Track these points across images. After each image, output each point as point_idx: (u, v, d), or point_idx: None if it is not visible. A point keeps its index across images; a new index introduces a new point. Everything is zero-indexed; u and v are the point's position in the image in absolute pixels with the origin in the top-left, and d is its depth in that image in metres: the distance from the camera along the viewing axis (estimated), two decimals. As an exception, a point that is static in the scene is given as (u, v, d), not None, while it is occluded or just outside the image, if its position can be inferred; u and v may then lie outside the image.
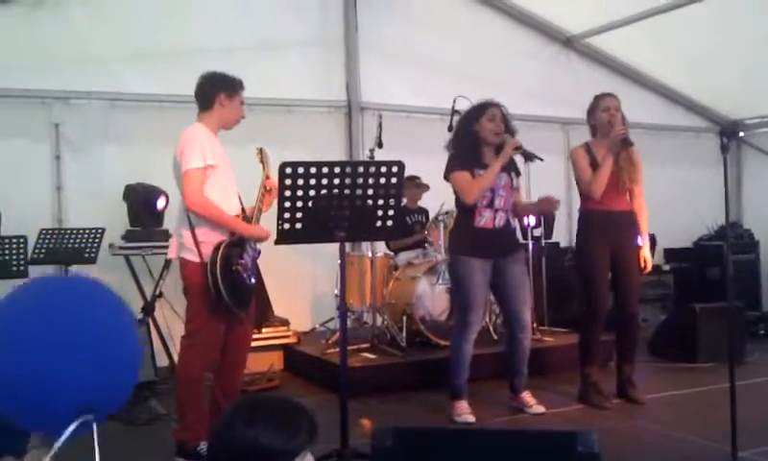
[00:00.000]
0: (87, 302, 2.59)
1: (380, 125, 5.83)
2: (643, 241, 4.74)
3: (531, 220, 6.39)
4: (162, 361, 5.56)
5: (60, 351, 2.29)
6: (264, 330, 5.92)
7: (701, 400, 4.83)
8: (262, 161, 3.93)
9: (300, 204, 3.18)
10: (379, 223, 3.35)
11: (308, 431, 1.68)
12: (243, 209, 3.84)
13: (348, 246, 6.24)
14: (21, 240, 5.02)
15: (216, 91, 3.72)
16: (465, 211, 4.44)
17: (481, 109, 4.42)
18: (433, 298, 5.72)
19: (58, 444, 2.40)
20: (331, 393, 4.63)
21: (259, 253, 3.84)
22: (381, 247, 6.32)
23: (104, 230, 5.40)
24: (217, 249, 3.52)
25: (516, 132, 4.48)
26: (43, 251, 5.25)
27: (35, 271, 5.26)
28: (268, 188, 3.83)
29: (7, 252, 4.90)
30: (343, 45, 7.15)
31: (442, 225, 5.90)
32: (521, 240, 6.37)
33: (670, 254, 8.29)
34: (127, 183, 5.76)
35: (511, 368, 4.59)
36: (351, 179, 3.23)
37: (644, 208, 4.78)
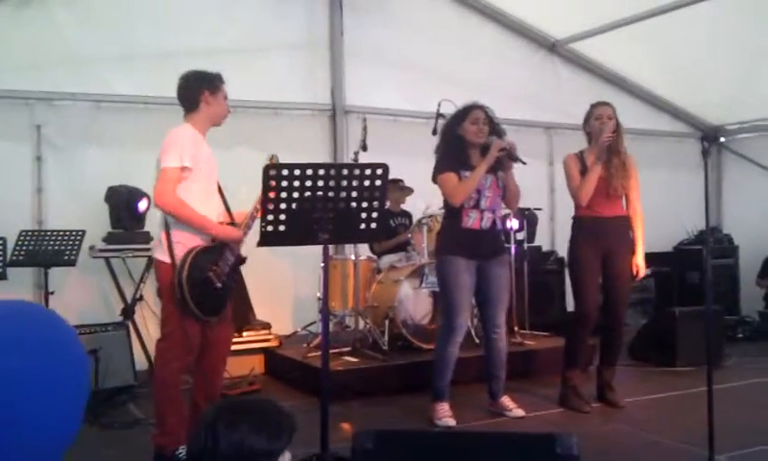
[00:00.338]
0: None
1: (365, 128, 5.84)
2: (637, 248, 4.75)
3: (514, 224, 6.42)
4: (142, 365, 5.52)
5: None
6: (245, 334, 5.89)
7: (679, 404, 4.87)
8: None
9: (283, 205, 3.17)
10: (363, 225, 3.35)
11: (289, 431, 1.69)
12: (230, 213, 3.80)
13: (331, 249, 6.24)
14: (0, 242, 4.96)
15: (199, 90, 3.69)
16: (452, 212, 4.47)
17: (464, 113, 4.47)
18: (415, 301, 5.73)
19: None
20: (312, 396, 4.62)
21: (243, 260, 3.78)
22: (364, 250, 6.32)
23: (84, 232, 5.35)
24: (189, 253, 3.48)
25: (503, 133, 4.51)
26: (23, 253, 5.19)
27: (13, 273, 5.22)
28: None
29: (-14, 253, 4.86)
30: (328, 48, 7.15)
31: (425, 228, 5.91)
32: (504, 244, 6.41)
33: (651, 258, 8.32)
34: (109, 185, 5.72)
35: (487, 372, 4.61)
36: (335, 181, 3.23)
37: (639, 215, 4.78)
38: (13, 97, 5.83)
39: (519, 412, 4.52)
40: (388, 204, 6.37)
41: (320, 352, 3.59)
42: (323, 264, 3.58)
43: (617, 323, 4.79)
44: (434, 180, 4.48)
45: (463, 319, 4.46)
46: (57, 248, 5.24)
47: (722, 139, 9.06)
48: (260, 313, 6.19)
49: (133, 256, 5.62)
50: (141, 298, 5.66)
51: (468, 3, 7.71)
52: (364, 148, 5.74)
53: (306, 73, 7.07)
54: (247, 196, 3.85)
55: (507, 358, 4.61)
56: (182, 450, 3.56)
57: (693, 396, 4.73)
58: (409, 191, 6.55)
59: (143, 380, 5.26)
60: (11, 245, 5.13)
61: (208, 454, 1.62)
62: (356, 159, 5.59)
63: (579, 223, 4.79)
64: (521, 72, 8.01)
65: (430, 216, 5.85)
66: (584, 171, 4.69)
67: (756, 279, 8.02)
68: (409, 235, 6.23)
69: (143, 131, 5.65)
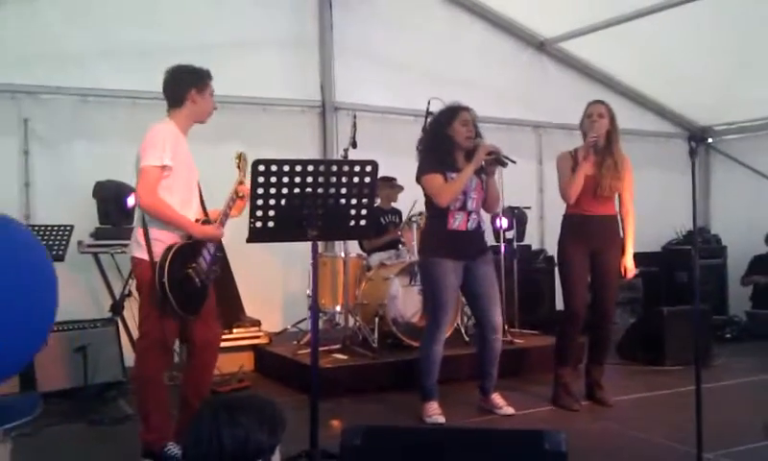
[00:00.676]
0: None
1: (354, 125, 5.83)
2: (626, 248, 4.74)
3: (503, 222, 6.43)
4: (131, 361, 5.48)
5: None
6: (235, 331, 5.88)
7: (668, 402, 4.89)
8: (239, 166, 3.80)
9: (272, 202, 3.16)
10: (352, 222, 3.34)
11: (283, 425, 1.71)
12: (205, 212, 3.77)
13: (320, 246, 6.23)
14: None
15: (187, 88, 3.63)
16: (437, 214, 4.45)
17: (453, 113, 4.44)
18: (405, 299, 5.73)
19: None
20: (302, 393, 4.62)
21: (219, 257, 3.74)
22: (354, 247, 6.31)
23: (72, 227, 5.33)
24: (169, 249, 3.45)
25: (481, 136, 4.49)
26: (10, 247, 5.15)
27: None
28: (240, 194, 3.72)
29: (-28, 248, 4.81)
30: (318, 45, 7.14)
31: (415, 226, 5.91)
32: (494, 242, 6.43)
33: (639, 258, 8.35)
34: (97, 180, 5.69)
35: (481, 369, 4.62)
36: (325, 177, 3.22)
37: (631, 214, 4.78)
38: (0, 91, 5.78)
39: (509, 410, 4.53)
40: (378, 201, 6.37)
41: (309, 350, 3.58)
42: (312, 261, 3.56)
43: (605, 321, 4.80)
44: (418, 180, 4.46)
45: (447, 317, 4.48)
46: (44, 243, 5.19)
47: (710, 140, 9.12)
48: (250, 310, 6.17)
49: (122, 252, 5.58)
50: (130, 293, 5.62)
51: (457, 1, 7.73)
52: (354, 145, 5.74)
53: (296, 69, 7.06)
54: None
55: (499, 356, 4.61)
56: (171, 447, 3.55)
57: (681, 394, 4.76)
58: (399, 189, 6.55)
59: (132, 376, 5.24)
60: (-3, 240, 5.09)
61: (214, 455, 1.62)
62: (346, 156, 5.59)
63: (567, 221, 4.80)
64: (510, 71, 8.03)
65: (420, 214, 5.84)
66: (574, 169, 4.69)
67: (742, 278, 8.08)
68: (399, 233, 6.23)
69: (131, 125, 5.59)
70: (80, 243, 5.54)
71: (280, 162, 3.14)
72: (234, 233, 3.74)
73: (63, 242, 5.24)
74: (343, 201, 3.28)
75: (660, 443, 4.00)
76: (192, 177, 3.69)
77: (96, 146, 6.02)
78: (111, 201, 5.59)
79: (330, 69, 7.13)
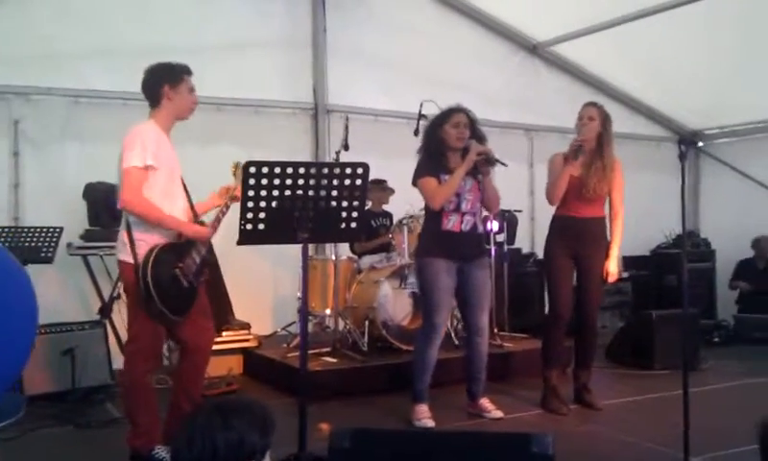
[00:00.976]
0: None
1: (347, 127, 5.84)
2: (611, 251, 4.73)
3: (494, 225, 6.44)
4: (119, 364, 5.46)
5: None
6: (224, 334, 5.85)
7: (656, 406, 4.91)
8: (235, 175, 3.75)
9: (263, 204, 3.15)
10: (343, 224, 3.34)
11: (273, 426, 1.72)
12: (193, 211, 3.74)
13: (311, 249, 6.22)
14: (-25, 238, 4.90)
15: (159, 85, 3.59)
16: (432, 215, 4.47)
17: (446, 116, 4.47)
18: (396, 302, 5.73)
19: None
20: (291, 397, 4.60)
21: (209, 259, 3.72)
22: (345, 250, 6.31)
23: (62, 228, 5.30)
24: (152, 249, 3.43)
25: (484, 138, 4.52)
26: (-2, 249, 5.12)
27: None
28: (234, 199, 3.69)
29: (-40, 249, 4.78)
30: (310, 47, 7.13)
31: (406, 229, 5.91)
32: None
33: (629, 261, 8.41)
34: (87, 182, 5.66)
35: (468, 373, 4.63)
36: (316, 180, 3.22)
37: (619, 217, 4.77)
38: (-11, 91, 5.76)
39: (498, 413, 4.54)
40: (369, 204, 6.37)
41: (299, 353, 3.57)
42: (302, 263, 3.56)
43: (589, 324, 4.81)
44: (414, 183, 4.49)
45: (442, 320, 4.47)
46: (33, 245, 5.17)
47: (700, 144, 9.17)
48: (240, 313, 6.15)
49: (111, 254, 5.49)
50: (119, 296, 5.58)
51: (450, 4, 7.74)
52: (346, 147, 5.73)
53: (288, 71, 7.05)
54: (226, 194, 3.81)
55: (486, 360, 4.62)
56: (159, 450, 3.54)
57: (669, 398, 4.78)
58: (391, 191, 6.55)
59: (120, 380, 5.22)
60: (-14, 241, 5.06)
61: (208, 459, 1.62)
62: (338, 159, 5.59)
63: (555, 222, 4.83)
64: (502, 73, 8.05)
65: (411, 217, 5.85)
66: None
67: (730, 281, 8.14)
68: (390, 236, 6.23)
69: (122, 127, 5.49)
70: (69, 245, 5.52)
71: (271, 164, 3.13)
72: (224, 235, 3.73)
73: (53, 244, 5.22)
74: (334, 203, 3.28)
75: (647, 446, 4.01)
76: (175, 175, 3.65)
77: (86, 147, 5.98)
78: (101, 203, 5.56)
79: (323, 71, 7.12)
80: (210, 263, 3.77)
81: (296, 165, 3.19)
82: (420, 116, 5.46)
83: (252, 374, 5.86)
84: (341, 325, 5.86)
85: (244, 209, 3.15)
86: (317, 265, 5.94)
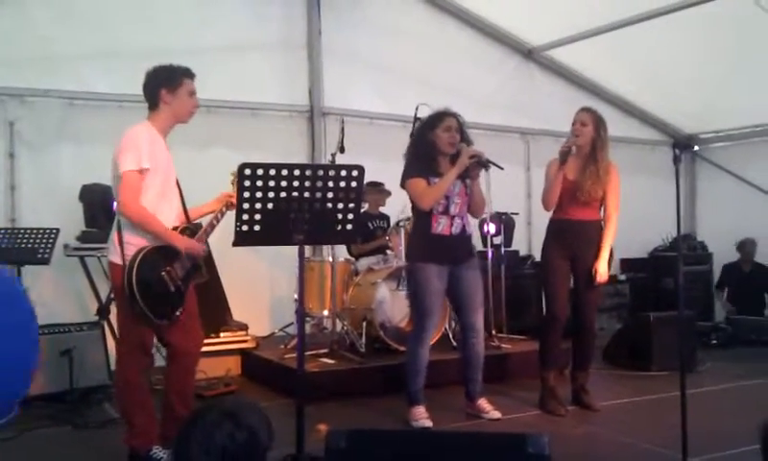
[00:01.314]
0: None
1: (342, 130, 5.85)
2: (600, 252, 4.73)
3: (491, 228, 6.45)
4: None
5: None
6: (222, 335, 5.87)
7: (653, 408, 4.91)
8: (234, 183, 3.71)
9: (258, 205, 3.16)
10: (339, 226, 3.34)
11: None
12: (186, 215, 3.73)
13: (308, 251, 6.23)
14: (-28, 239, 4.89)
15: (158, 89, 3.59)
16: (422, 218, 4.48)
17: (437, 119, 4.48)
18: (393, 304, 5.74)
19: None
20: (288, 398, 4.60)
21: (200, 267, 3.70)
22: (342, 252, 6.32)
23: (58, 230, 5.29)
24: (139, 252, 3.42)
25: (472, 143, 4.52)
26: (-5, 250, 5.12)
27: (-15, 271, 5.14)
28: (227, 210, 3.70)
29: (-43, 251, 4.78)
30: (306, 49, 7.14)
31: (402, 231, 5.92)
32: (481, 248, 6.44)
33: (626, 264, 8.44)
34: (83, 183, 5.66)
35: (465, 374, 4.64)
36: (311, 182, 3.22)
37: (611, 220, 4.78)
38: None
39: (496, 414, 4.54)
40: (366, 206, 6.38)
41: (296, 354, 3.57)
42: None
43: (586, 326, 4.83)
44: (402, 185, 4.50)
45: (432, 321, 4.50)
46: (30, 246, 5.17)
47: (696, 148, 9.19)
48: (237, 314, 6.15)
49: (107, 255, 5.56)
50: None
51: (446, 8, 7.76)
52: (341, 150, 5.75)
53: (284, 74, 7.06)
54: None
55: (484, 361, 4.64)
56: (156, 450, 3.53)
57: (667, 400, 4.79)
58: (387, 194, 6.56)
59: (115, 380, 5.21)
60: (-18, 243, 5.05)
61: (223, 455, 1.62)
62: (333, 161, 5.60)
63: (550, 225, 4.88)
64: (498, 78, 8.08)
65: (407, 219, 5.84)
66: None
67: (715, 287, 8.21)
68: (387, 238, 6.23)
69: (118, 129, 5.49)
70: (66, 246, 5.51)
71: (267, 166, 3.14)
72: (221, 237, 3.74)
73: (49, 245, 5.21)
74: (330, 205, 3.28)
75: (645, 448, 4.01)
76: (170, 177, 3.65)
77: (83, 149, 5.98)
78: (98, 204, 5.55)
79: (319, 74, 7.13)
80: (203, 267, 3.75)
81: (291, 167, 3.19)
82: (416, 119, 5.46)
83: (250, 375, 5.86)
84: (338, 326, 5.86)
85: (239, 211, 3.15)
86: (314, 267, 5.94)
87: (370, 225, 6.46)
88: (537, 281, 7.04)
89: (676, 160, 3.55)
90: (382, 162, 5.89)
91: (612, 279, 6.86)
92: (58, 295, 5.81)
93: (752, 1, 6.13)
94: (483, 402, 4.60)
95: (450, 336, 5.92)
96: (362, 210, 5.55)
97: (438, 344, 5.40)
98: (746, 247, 8.12)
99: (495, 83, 8.03)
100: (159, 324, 3.51)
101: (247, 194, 3.13)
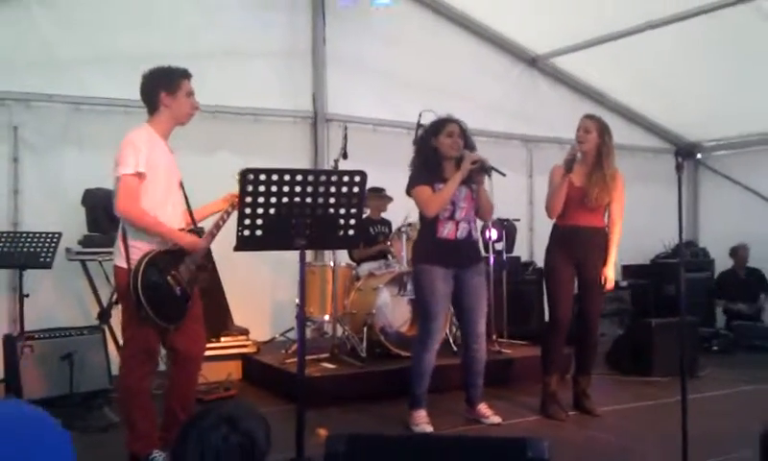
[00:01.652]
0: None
1: (345, 136, 5.86)
2: (608, 258, 4.76)
3: (493, 234, 6.45)
4: (117, 369, 5.45)
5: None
6: (223, 339, 5.87)
7: (654, 413, 4.92)
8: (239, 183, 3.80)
9: (260, 210, 3.16)
10: (341, 232, 3.35)
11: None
12: (191, 214, 3.74)
13: (310, 255, 6.24)
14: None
15: (156, 92, 3.59)
16: (428, 223, 4.50)
17: (440, 126, 4.51)
18: (394, 309, 5.74)
19: None
20: (289, 403, 4.61)
21: (205, 268, 3.71)
22: (343, 257, 6.32)
23: (60, 234, 5.30)
24: (145, 256, 3.43)
25: (475, 148, 4.54)
26: (-2, 254, 5.13)
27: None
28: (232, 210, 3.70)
29: (-40, 254, 4.79)
30: (310, 56, 7.17)
31: (404, 236, 5.93)
32: (483, 253, 6.44)
33: (628, 270, 8.44)
34: (86, 188, 5.68)
35: (466, 379, 4.64)
36: (313, 187, 3.23)
37: (617, 226, 4.80)
38: (-9, 98, 5.78)
39: (496, 419, 4.55)
40: (368, 212, 6.39)
41: (297, 359, 3.57)
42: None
43: (590, 331, 4.84)
44: (408, 193, 4.53)
45: (438, 324, 4.51)
46: (32, 250, 5.17)
47: (698, 156, 9.20)
48: (238, 319, 6.16)
49: (110, 260, 5.48)
50: (117, 301, 5.59)
51: (450, 16, 7.79)
52: (344, 156, 5.75)
53: (288, 80, 7.08)
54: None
55: (485, 366, 4.64)
56: (157, 455, 3.53)
57: (668, 405, 4.79)
58: (389, 199, 6.57)
59: (118, 384, 5.21)
60: (-15, 247, 5.07)
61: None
62: (336, 167, 5.60)
63: (554, 231, 4.87)
64: (502, 85, 8.10)
65: (409, 225, 5.87)
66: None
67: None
68: (388, 243, 6.24)
69: (122, 134, 5.54)
70: (68, 250, 5.53)
71: (269, 171, 3.14)
72: (222, 241, 3.74)
73: (51, 249, 5.21)
74: (331, 210, 3.29)
75: (646, 453, 4.02)
76: (172, 180, 3.65)
77: (86, 154, 5.99)
78: (100, 208, 5.56)
79: (322, 80, 7.16)
80: (208, 269, 3.76)
81: (293, 172, 3.19)
82: (419, 126, 5.47)
83: (251, 379, 5.86)
84: (339, 331, 5.86)
85: (241, 216, 3.16)
86: (315, 271, 5.95)
87: (371, 230, 6.47)
88: (538, 287, 7.04)
89: (678, 168, 3.56)
90: (385, 169, 5.91)
91: (614, 284, 6.84)
92: (59, 299, 5.82)
93: (754, 9, 6.15)
94: (483, 407, 4.60)
95: (451, 341, 5.91)
96: (363, 216, 5.56)
97: (438, 349, 5.38)
98: (739, 252, 8.19)
99: (500, 90, 8.05)
100: (165, 327, 3.52)
101: (249, 199, 3.14)
